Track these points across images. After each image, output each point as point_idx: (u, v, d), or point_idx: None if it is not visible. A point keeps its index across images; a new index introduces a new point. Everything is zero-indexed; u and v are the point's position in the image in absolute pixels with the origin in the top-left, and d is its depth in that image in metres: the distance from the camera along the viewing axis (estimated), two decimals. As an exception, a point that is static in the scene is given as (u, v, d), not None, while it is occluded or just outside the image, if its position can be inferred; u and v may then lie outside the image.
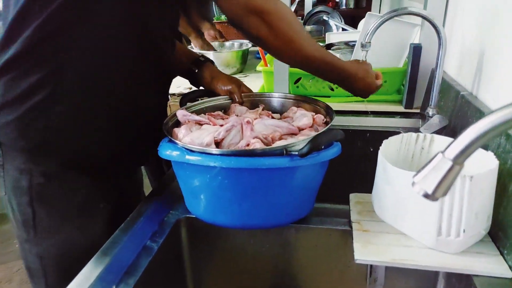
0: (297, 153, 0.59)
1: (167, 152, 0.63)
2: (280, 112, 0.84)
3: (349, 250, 0.64)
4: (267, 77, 1.26)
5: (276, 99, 0.85)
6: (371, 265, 0.72)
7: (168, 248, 0.70)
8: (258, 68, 1.28)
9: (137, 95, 0.72)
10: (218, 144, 0.65)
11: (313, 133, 0.69)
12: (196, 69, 0.86)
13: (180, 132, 0.68)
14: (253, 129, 0.66)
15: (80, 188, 0.71)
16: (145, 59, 0.70)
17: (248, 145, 0.63)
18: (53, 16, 0.60)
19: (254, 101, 0.85)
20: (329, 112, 0.76)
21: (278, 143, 0.64)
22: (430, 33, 0.97)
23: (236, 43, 1.80)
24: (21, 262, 1.89)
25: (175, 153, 0.62)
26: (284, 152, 0.60)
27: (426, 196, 0.35)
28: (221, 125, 0.69)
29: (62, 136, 0.66)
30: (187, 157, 0.61)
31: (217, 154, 0.59)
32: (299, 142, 0.60)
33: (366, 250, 0.61)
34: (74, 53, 0.63)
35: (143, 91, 0.73)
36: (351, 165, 1.08)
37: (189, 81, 0.90)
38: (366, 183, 0.75)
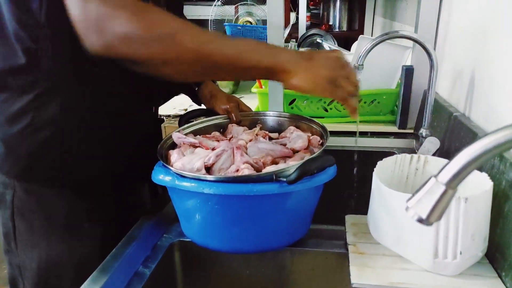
0: (285, 179, 0.58)
1: (159, 177, 0.63)
2: (278, 131, 0.84)
3: (345, 273, 0.63)
4: (261, 99, 1.26)
5: (272, 118, 0.86)
6: (368, 289, 0.70)
7: (160, 273, 0.68)
8: (253, 89, 1.28)
9: (121, 112, 0.71)
10: (209, 169, 0.64)
11: (307, 156, 0.69)
12: (196, 87, 0.86)
13: (173, 155, 0.68)
14: (243, 154, 0.65)
15: (61, 207, 0.72)
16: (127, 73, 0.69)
17: (237, 171, 0.62)
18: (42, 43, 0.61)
19: (253, 120, 0.85)
20: (323, 134, 0.75)
21: (268, 169, 0.64)
22: (422, 55, 0.98)
23: None
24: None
25: (167, 178, 0.62)
26: (274, 178, 0.59)
27: (421, 220, 0.35)
28: (213, 149, 0.68)
29: (44, 160, 0.68)
30: (178, 182, 0.61)
31: (207, 181, 0.59)
32: (289, 168, 0.60)
33: (362, 274, 0.60)
34: (55, 79, 0.63)
35: (127, 107, 0.72)
36: (346, 186, 1.07)
37: (191, 99, 0.90)
38: (361, 204, 0.75)
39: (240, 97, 1.63)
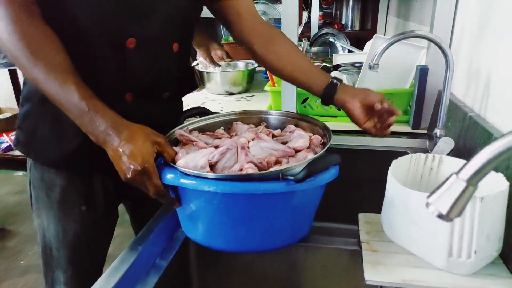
0: (292, 178, 0.58)
1: (161, 174, 0.62)
2: (281, 128, 0.83)
3: (358, 270, 0.63)
4: (274, 97, 1.27)
5: (274, 117, 0.84)
6: (381, 286, 0.71)
7: (176, 265, 0.70)
8: (266, 88, 1.29)
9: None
10: (212, 166, 0.64)
11: (310, 155, 0.69)
12: (330, 93, 0.80)
13: (178, 153, 0.67)
14: (247, 154, 0.65)
15: (57, 185, 0.79)
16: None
17: (241, 169, 0.62)
18: None
19: (258, 119, 0.85)
20: (326, 133, 0.74)
21: (274, 168, 0.63)
22: (437, 54, 0.98)
23: (242, 63, 1.82)
24: (25, 279, 1.88)
25: (169, 176, 0.61)
26: (280, 176, 0.59)
27: (441, 216, 0.35)
28: (216, 147, 0.68)
29: (27, 136, 0.77)
30: (182, 180, 0.60)
31: (212, 179, 0.59)
32: (295, 166, 0.59)
33: (376, 271, 0.60)
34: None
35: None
36: (359, 184, 1.08)
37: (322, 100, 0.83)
38: (374, 203, 0.75)
39: (253, 95, 1.65)
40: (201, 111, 0.85)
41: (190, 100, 1.56)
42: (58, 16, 0.66)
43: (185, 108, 0.89)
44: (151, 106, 0.79)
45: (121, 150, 0.59)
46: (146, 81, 0.76)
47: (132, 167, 0.58)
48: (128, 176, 0.59)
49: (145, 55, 0.73)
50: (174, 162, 0.63)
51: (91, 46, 0.69)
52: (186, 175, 0.60)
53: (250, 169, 0.61)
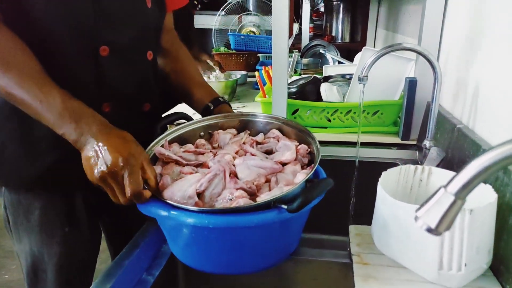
0: (285, 207, 0.55)
1: (147, 207, 0.59)
2: (264, 133, 0.81)
3: (349, 283, 0.63)
4: (265, 108, 1.27)
5: (257, 120, 0.82)
6: (371, 300, 0.70)
7: (164, 281, 0.68)
8: (257, 99, 1.29)
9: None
10: (199, 194, 0.61)
11: (298, 167, 0.67)
12: (213, 106, 0.85)
13: (162, 181, 0.64)
14: (237, 182, 0.63)
15: (36, 208, 0.75)
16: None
17: (231, 199, 0.59)
18: None
19: (239, 122, 0.82)
20: (311, 141, 0.71)
21: (263, 197, 0.61)
22: (425, 66, 0.99)
23: (224, 74, 1.82)
24: None
25: (155, 209, 0.58)
26: (272, 204, 0.57)
27: (430, 230, 0.35)
28: (201, 165, 0.66)
29: (3, 161, 0.72)
30: (171, 214, 0.57)
31: (203, 213, 0.56)
32: (287, 193, 0.57)
33: (367, 284, 0.60)
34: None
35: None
36: (348, 196, 1.07)
37: (202, 115, 0.87)
38: (365, 215, 0.74)
39: (243, 106, 1.65)
40: (179, 117, 0.82)
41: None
42: (24, 22, 0.63)
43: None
44: (131, 119, 0.75)
45: (101, 144, 0.58)
46: (124, 90, 0.75)
47: (119, 158, 0.57)
48: (104, 169, 0.57)
49: (119, 63, 0.72)
50: (157, 189, 0.61)
51: (63, 53, 0.66)
52: (173, 207, 0.57)
53: (241, 199, 0.59)
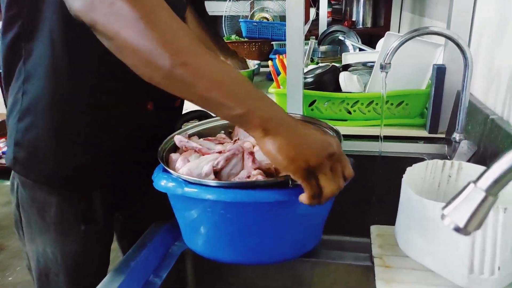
0: None
1: (162, 182, 0.62)
2: None
3: (370, 288, 0.63)
4: (279, 100, 1.27)
5: None
6: (395, 306, 0.69)
7: (172, 283, 0.69)
8: (270, 90, 1.29)
9: (111, 102, 0.72)
10: (217, 174, 0.64)
11: None
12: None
13: (178, 162, 0.67)
14: (255, 161, 0.65)
15: (52, 205, 0.76)
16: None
17: (249, 176, 0.62)
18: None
19: None
20: (335, 135, 0.73)
21: (282, 174, 0.63)
22: (455, 53, 0.97)
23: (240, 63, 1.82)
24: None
25: (171, 184, 0.61)
26: (290, 183, 0.58)
27: (458, 229, 0.35)
28: (220, 152, 0.68)
29: (28, 153, 0.72)
30: (186, 189, 0.59)
31: (217, 187, 0.59)
32: None
33: (390, 289, 0.59)
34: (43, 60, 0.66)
35: (117, 97, 0.72)
36: (371, 194, 1.07)
37: None
38: (388, 214, 0.74)
39: (256, 98, 1.65)
40: (200, 115, 0.85)
41: (188, 104, 1.56)
42: None
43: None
44: (165, 114, 0.81)
45: (311, 127, 0.56)
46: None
47: (332, 144, 0.55)
48: (333, 150, 0.54)
49: None
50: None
51: None
52: (189, 183, 0.60)
53: (259, 176, 0.61)
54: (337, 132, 0.74)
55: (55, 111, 0.69)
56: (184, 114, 0.85)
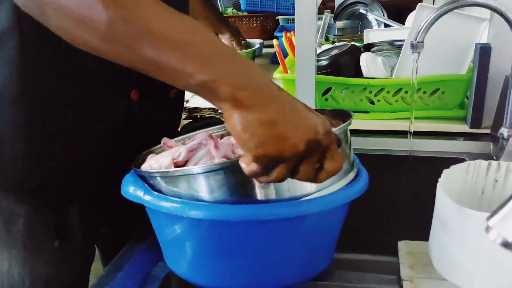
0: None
1: (129, 189, 0.63)
2: None
3: (398, 318, 0.63)
4: (286, 86, 1.27)
5: None
6: None
7: (155, 312, 0.69)
8: (275, 75, 1.29)
9: (83, 88, 0.71)
10: (180, 167, 0.64)
11: None
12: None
13: (147, 161, 0.68)
14: (217, 146, 0.63)
15: (20, 215, 0.76)
16: None
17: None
18: None
19: None
20: (340, 115, 0.72)
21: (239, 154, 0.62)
22: (502, 29, 0.97)
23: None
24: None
25: (131, 189, 0.62)
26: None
27: (506, 245, 0.35)
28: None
29: (3, 159, 0.72)
30: (146, 197, 0.61)
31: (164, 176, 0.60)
32: None
33: (422, 319, 0.60)
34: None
35: (92, 87, 0.72)
36: (398, 202, 1.07)
37: None
38: (420, 227, 0.74)
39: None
40: (208, 123, 0.88)
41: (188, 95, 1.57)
42: None
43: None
44: (156, 107, 0.81)
45: (301, 104, 0.52)
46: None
47: (319, 129, 0.50)
48: (324, 130, 0.50)
49: None
50: None
51: None
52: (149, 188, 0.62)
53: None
54: (345, 113, 0.71)
55: (23, 103, 0.68)
56: (187, 124, 0.87)
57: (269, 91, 0.50)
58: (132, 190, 0.63)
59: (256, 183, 0.57)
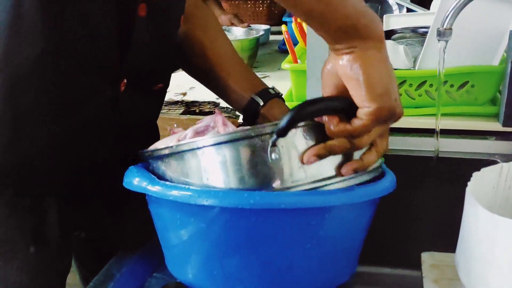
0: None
1: (130, 179, 0.65)
2: None
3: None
4: (296, 79, 1.27)
5: None
6: None
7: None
8: (284, 65, 1.29)
9: (69, 67, 0.73)
10: None
11: None
12: (262, 102, 0.88)
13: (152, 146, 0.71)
14: (226, 123, 0.66)
15: None
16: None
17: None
18: None
19: None
20: None
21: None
22: (540, 15, 0.97)
23: (241, 30, 1.83)
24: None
25: (136, 180, 0.64)
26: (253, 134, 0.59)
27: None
28: None
29: None
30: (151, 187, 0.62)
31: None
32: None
33: None
34: None
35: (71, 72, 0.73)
36: (421, 209, 1.07)
37: (243, 116, 0.93)
38: (444, 238, 0.75)
39: (265, 76, 1.65)
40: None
41: (173, 84, 1.57)
42: None
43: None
44: (139, 100, 0.83)
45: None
46: (147, 64, 0.81)
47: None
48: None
49: (155, 28, 0.78)
50: None
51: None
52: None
53: None
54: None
55: (5, 73, 0.69)
56: None
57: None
58: (137, 181, 0.64)
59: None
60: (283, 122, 0.57)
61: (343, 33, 0.59)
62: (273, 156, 0.58)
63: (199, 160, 0.60)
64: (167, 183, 0.62)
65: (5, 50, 0.68)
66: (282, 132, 0.57)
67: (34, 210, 0.80)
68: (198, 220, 0.62)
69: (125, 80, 0.78)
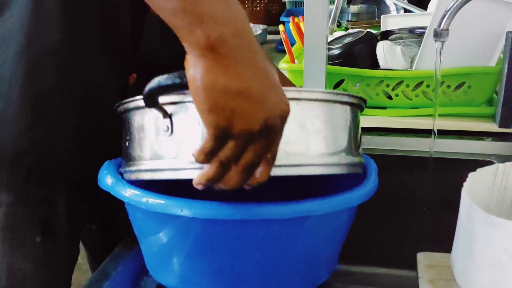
0: None
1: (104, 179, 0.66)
2: None
3: None
4: (294, 78, 1.27)
5: None
6: None
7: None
8: (282, 65, 1.29)
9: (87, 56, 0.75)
10: None
11: None
12: None
13: None
14: None
15: (1, 205, 0.79)
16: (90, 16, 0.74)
17: None
18: None
19: None
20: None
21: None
22: (537, 16, 0.97)
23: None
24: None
25: (109, 180, 0.64)
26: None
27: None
28: None
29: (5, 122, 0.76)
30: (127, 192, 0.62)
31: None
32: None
33: None
34: None
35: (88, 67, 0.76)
36: (416, 209, 1.07)
37: None
38: (441, 237, 0.74)
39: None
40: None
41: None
42: None
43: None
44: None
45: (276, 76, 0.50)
46: (157, 58, 0.82)
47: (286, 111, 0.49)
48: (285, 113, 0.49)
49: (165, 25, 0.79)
50: None
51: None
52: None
53: None
54: (355, 97, 0.69)
55: (22, 58, 0.72)
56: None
57: (249, 46, 0.47)
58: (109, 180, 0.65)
59: None
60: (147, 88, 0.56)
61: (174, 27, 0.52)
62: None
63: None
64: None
65: (27, 34, 0.71)
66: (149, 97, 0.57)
67: (43, 199, 0.81)
68: (174, 226, 0.62)
69: (135, 75, 0.79)
